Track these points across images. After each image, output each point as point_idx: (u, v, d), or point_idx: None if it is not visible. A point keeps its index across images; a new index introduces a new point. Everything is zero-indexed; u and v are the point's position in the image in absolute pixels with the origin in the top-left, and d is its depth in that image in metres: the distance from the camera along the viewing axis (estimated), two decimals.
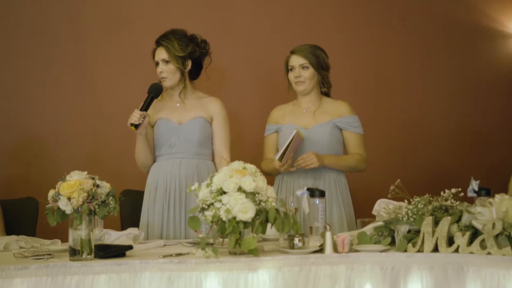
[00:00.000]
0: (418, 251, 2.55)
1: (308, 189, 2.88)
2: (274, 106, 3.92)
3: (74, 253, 2.58)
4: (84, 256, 2.58)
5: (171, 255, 2.63)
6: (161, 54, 3.64)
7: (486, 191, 2.69)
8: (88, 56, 4.61)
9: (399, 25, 4.99)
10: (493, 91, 5.10)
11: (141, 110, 3.49)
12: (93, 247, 2.60)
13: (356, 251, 2.62)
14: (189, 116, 3.68)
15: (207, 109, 3.72)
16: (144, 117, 3.49)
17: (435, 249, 2.53)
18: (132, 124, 3.48)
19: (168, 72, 3.63)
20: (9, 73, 4.53)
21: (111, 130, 4.54)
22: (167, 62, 3.63)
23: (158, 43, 3.66)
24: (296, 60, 3.74)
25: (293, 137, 3.50)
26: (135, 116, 3.48)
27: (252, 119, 4.58)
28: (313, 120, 3.75)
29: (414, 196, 2.73)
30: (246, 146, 4.45)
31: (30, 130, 4.54)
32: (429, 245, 2.54)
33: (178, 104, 3.70)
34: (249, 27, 4.80)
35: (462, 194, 2.70)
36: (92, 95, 4.61)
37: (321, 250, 2.62)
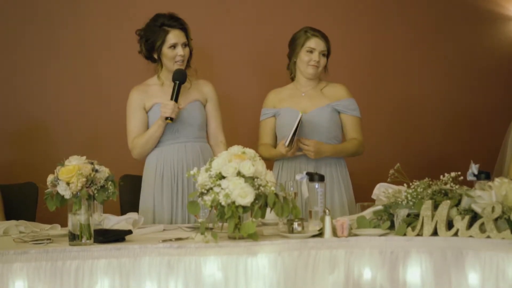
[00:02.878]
0: (418, 235, 2.55)
1: (308, 174, 2.87)
2: (269, 90, 3.88)
3: (73, 238, 2.59)
4: (83, 241, 2.58)
5: (170, 240, 2.63)
6: (182, 37, 3.56)
7: (486, 175, 2.68)
8: (89, 41, 4.59)
9: (398, 8, 4.95)
10: (493, 74, 5.07)
11: (172, 100, 3.45)
12: (92, 232, 2.61)
13: (355, 235, 2.62)
14: (187, 99, 3.62)
15: (201, 92, 3.68)
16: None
17: (435, 233, 2.53)
18: (167, 118, 3.46)
19: (185, 55, 3.58)
20: (9, 58, 4.51)
21: (111, 115, 4.52)
22: (185, 45, 3.58)
23: (173, 26, 3.55)
24: (319, 45, 3.70)
25: (299, 121, 3.46)
26: (175, 111, 3.45)
27: (247, 103, 4.54)
28: (311, 104, 3.73)
29: (414, 180, 2.74)
30: (241, 131, 4.43)
31: (30, 115, 4.53)
32: (428, 229, 2.54)
33: None
34: (245, 9, 4.76)
35: (462, 177, 2.69)
36: (92, 80, 4.59)
37: (320, 234, 2.62)
